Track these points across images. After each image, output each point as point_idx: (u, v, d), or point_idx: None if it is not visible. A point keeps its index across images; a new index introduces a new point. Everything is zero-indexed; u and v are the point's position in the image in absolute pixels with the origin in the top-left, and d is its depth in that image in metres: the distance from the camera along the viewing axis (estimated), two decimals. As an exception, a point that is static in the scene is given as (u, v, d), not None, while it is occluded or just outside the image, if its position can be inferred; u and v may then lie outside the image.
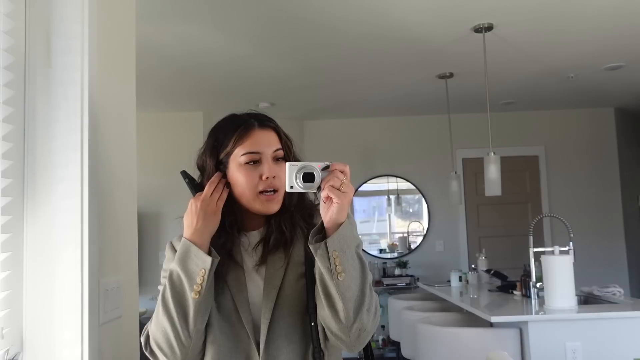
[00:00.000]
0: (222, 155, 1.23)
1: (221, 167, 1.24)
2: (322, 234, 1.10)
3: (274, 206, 1.23)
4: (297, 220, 1.25)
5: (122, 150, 1.65)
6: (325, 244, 1.07)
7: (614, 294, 3.42)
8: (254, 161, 1.21)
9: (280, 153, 1.24)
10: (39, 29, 1.37)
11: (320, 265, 1.09)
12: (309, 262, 1.20)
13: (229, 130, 1.23)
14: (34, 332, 1.32)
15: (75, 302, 1.32)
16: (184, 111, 5.54)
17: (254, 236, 1.27)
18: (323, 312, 1.13)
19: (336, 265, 1.07)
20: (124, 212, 1.65)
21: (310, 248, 1.09)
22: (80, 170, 1.35)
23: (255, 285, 1.22)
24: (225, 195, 1.22)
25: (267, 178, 1.20)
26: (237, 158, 1.21)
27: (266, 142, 1.23)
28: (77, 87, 1.37)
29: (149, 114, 5.43)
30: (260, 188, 1.21)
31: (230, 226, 1.24)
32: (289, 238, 1.23)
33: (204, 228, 1.17)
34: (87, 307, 1.33)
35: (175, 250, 1.24)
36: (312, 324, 1.18)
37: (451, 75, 4.61)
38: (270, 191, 1.22)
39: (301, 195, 1.26)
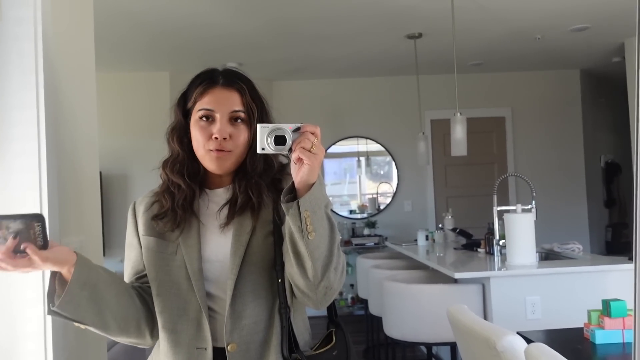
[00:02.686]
0: (188, 106, 1.25)
1: (187, 118, 1.25)
2: (293, 194, 1.11)
3: (224, 164, 1.22)
4: (263, 187, 1.25)
5: (81, 107, 1.61)
6: (297, 203, 1.08)
7: (573, 250, 3.53)
8: (207, 117, 1.21)
9: (240, 114, 1.22)
10: (-12, -20, 1.31)
11: (291, 224, 1.10)
12: (277, 221, 1.22)
13: (195, 83, 1.25)
14: (-5, 292, 1.31)
15: (36, 261, 1.31)
16: (148, 71, 5.40)
17: (219, 194, 1.27)
18: (291, 270, 1.15)
19: (307, 225, 1.08)
20: (85, 171, 1.62)
21: (282, 207, 1.10)
22: (37, 128, 1.32)
23: (221, 242, 1.23)
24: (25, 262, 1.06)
25: (216, 138, 1.20)
26: (196, 112, 1.23)
27: (224, 101, 1.22)
28: (31, 42, 1.32)
29: (111, 74, 5.27)
30: (210, 147, 1.20)
31: (190, 177, 1.24)
32: (256, 203, 1.23)
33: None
34: (49, 266, 1.31)
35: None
36: (279, 280, 1.20)
37: (420, 35, 4.60)
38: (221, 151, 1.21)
39: (268, 159, 1.26)
